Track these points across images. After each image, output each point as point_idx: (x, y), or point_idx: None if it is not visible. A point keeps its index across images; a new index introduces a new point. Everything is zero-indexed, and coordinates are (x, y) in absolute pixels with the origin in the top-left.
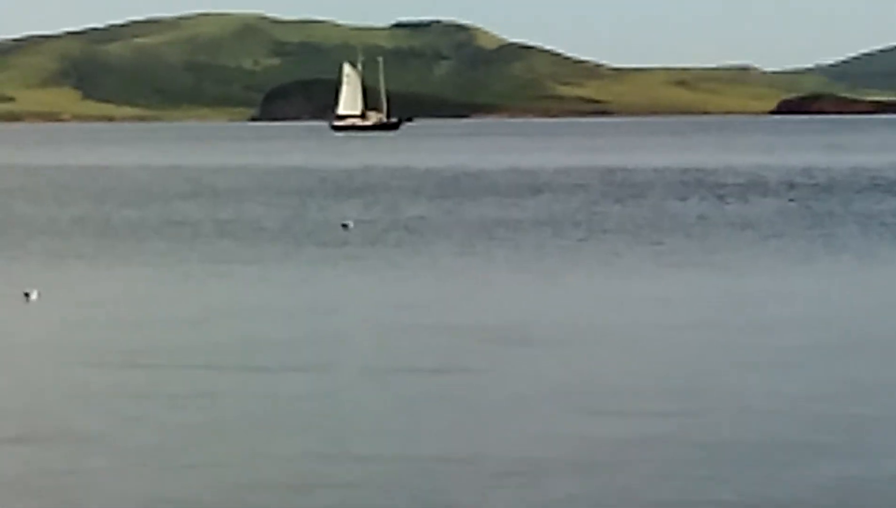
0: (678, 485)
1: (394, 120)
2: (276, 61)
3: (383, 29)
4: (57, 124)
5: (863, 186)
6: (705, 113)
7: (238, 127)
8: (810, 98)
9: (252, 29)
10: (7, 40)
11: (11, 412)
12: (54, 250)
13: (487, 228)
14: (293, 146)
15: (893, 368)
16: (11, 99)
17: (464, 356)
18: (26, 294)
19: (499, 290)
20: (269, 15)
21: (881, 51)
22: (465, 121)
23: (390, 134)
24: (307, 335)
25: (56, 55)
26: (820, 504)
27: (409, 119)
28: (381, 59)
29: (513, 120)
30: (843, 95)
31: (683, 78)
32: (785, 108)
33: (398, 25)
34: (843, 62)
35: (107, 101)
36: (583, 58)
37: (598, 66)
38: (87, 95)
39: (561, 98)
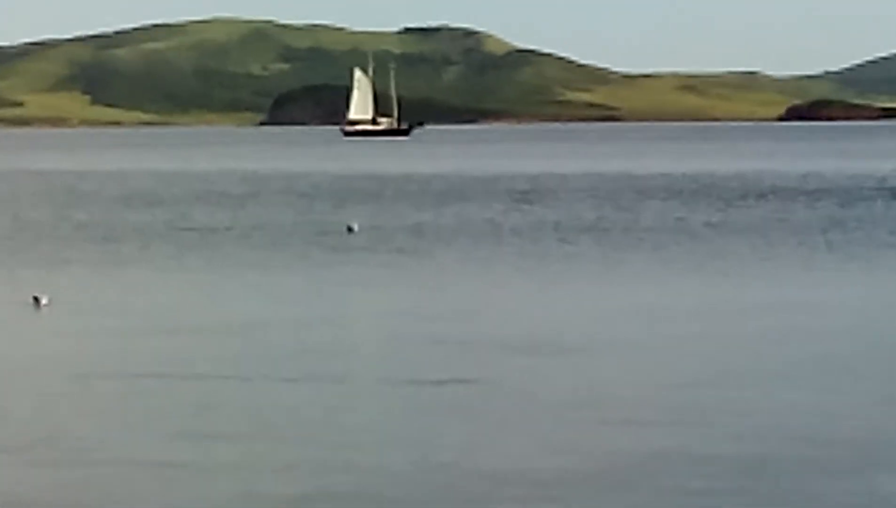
0: (689, 499)
1: (405, 125)
2: (284, 66)
3: (392, 34)
4: (65, 129)
5: (872, 193)
6: (714, 119)
7: (248, 132)
8: (819, 104)
9: (260, 34)
10: (15, 45)
11: (20, 420)
12: (62, 255)
13: (495, 233)
14: (305, 151)
15: None
16: (20, 104)
17: (469, 366)
18: (36, 299)
19: (505, 297)
20: (277, 20)
21: (890, 57)
22: (474, 126)
23: (402, 139)
24: (312, 344)
25: (64, 60)
26: None
27: (421, 124)
28: (392, 65)
29: (521, 126)
30: (852, 101)
31: (692, 84)
32: (793, 114)
33: (406, 31)
34: (852, 68)
35: (115, 106)
36: (591, 63)
37: (607, 71)
38: (96, 100)
39: (569, 103)
